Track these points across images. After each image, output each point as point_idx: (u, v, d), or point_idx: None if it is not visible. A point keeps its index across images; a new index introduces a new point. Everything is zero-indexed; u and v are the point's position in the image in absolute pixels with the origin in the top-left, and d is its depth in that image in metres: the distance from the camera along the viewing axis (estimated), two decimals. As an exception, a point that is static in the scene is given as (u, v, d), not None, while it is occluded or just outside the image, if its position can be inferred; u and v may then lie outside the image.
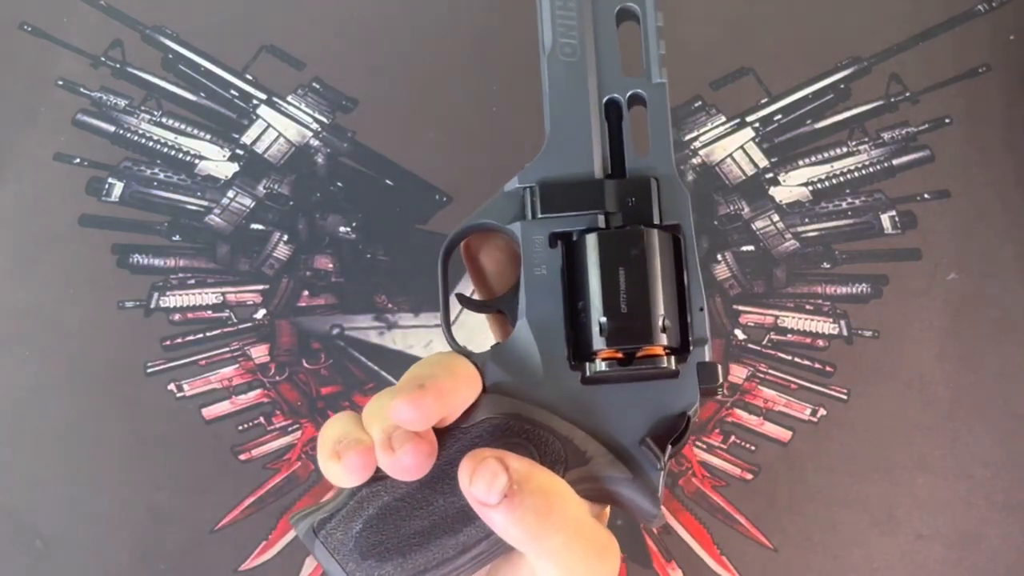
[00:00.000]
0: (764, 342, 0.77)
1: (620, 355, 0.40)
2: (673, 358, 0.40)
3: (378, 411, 0.39)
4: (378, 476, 0.39)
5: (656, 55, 0.43)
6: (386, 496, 0.39)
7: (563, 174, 0.42)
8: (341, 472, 0.39)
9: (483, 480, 0.37)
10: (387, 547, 0.39)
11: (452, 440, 0.39)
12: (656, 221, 0.41)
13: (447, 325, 0.43)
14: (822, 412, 0.76)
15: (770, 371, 0.77)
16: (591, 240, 0.40)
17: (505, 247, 0.44)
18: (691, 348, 0.40)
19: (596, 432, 0.40)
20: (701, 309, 0.41)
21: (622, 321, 0.39)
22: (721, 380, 0.41)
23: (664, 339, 0.39)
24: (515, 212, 0.42)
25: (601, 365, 0.40)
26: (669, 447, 0.39)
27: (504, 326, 0.44)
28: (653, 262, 0.40)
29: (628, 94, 0.43)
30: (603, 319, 0.39)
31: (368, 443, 0.39)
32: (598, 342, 0.39)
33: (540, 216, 0.41)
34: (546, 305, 0.41)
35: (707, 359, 0.41)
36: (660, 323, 0.39)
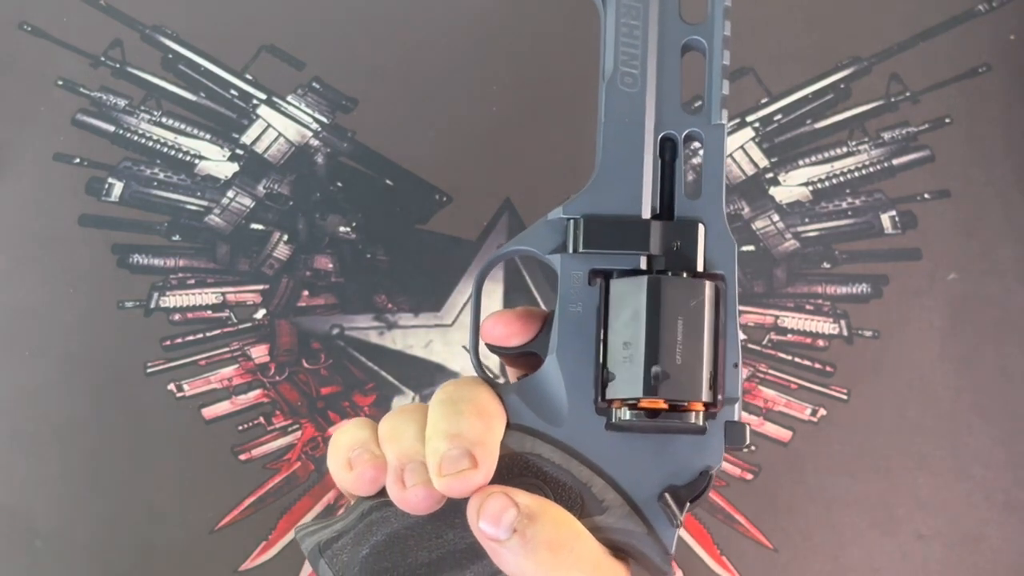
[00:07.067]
0: (764, 342, 0.77)
1: (666, 405, 0.38)
2: (702, 414, 0.39)
3: (398, 433, 0.38)
4: (388, 500, 0.38)
5: (719, 95, 0.42)
6: (396, 523, 0.39)
7: (609, 210, 0.40)
8: (351, 482, 0.38)
9: (490, 514, 0.36)
10: (392, 575, 0.38)
11: None
12: (699, 268, 0.40)
13: (475, 351, 0.41)
14: (822, 412, 0.76)
15: (770, 371, 0.77)
16: (640, 284, 0.39)
17: (505, 320, 0.42)
18: (721, 405, 0.39)
19: (614, 480, 0.39)
20: (736, 365, 0.40)
21: (674, 373, 0.38)
22: (748, 442, 0.39)
23: (709, 395, 0.39)
24: (556, 242, 0.41)
25: (627, 413, 0.39)
26: (687, 505, 0.38)
27: (522, 366, 0.43)
28: (707, 314, 0.39)
29: (684, 132, 0.42)
30: (657, 368, 0.38)
31: (382, 460, 0.38)
32: (645, 391, 0.38)
33: (582, 251, 0.40)
34: (578, 343, 0.40)
35: (736, 418, 0.39)
36: (709, 379, 0.38)
